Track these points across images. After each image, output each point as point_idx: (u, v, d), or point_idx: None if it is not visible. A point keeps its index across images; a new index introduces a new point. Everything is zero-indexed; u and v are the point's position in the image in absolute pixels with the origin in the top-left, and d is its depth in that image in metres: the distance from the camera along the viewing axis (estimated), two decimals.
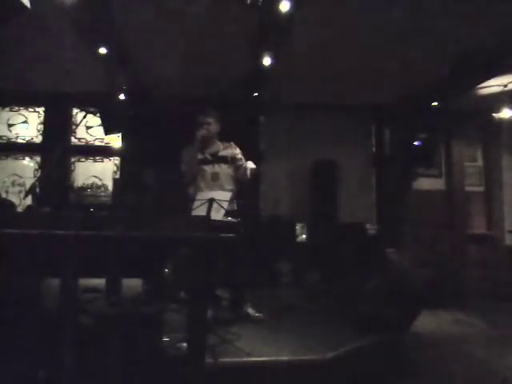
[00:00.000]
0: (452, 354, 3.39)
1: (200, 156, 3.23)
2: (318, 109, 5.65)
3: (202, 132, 3.20)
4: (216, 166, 3.25)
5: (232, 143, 3.39)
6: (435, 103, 5.10)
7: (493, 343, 3.65)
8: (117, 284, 2.70)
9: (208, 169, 3.24)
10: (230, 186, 3.25)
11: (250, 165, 3.27)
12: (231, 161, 3.29)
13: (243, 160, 3.32)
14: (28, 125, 5.57)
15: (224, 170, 3.27)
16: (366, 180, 5.94)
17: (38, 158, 5.50)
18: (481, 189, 6.05)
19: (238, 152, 3.34)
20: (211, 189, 3.08)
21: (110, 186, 5.33)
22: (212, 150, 3.31)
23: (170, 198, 3.22)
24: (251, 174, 3.29)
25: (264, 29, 3.60)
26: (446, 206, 5.86)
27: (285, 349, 2.51)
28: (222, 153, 3.31)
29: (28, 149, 5.52)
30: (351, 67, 4.51)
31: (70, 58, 4.14)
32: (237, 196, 3.26)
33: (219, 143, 3.37)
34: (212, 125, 3.28)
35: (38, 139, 5.53)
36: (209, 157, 3.27)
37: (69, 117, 5.53)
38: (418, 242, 5.54)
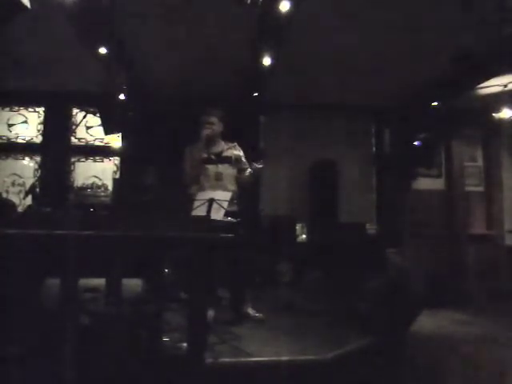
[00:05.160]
0: (452, 354, 3.39)
1: (204, 155, 3.21)
2: (318, 109, 5.65)
3: (206, 131, 3.19)
4: (220, 165, 3.23)
5: (236, 144, 3.37)
6: (435, 103, 5.10)
7: (492, 343, 3.65)
8: (117, 284, 2.70)
9: (212, 168, 3.21)
10: (232, 187, 3.22)
11: (257, 165, 3.19)
12: (235, 162, 3.28)
13: (247, 163, 3.31)
14: (28, 125, 5.57)
15: (227, 170, 3.24)
16: (366, 180, 5.94)
17: (38, 158, 5.50)
18: (481, 189, 6.04)
19: (242, 154, 3.33)
20: (214, 189, 3.06)
21: (110, 186, 5.33)
22: (216, 149, 3.28)
23: (170, 197, 3.21)
24: (255, 174, 3.26)
25: (264, 29, 3.60)
26: (446, 206, 5.86)
27: (285, 349, 2.51)
28: (226, 153, 3.28)
29: (28, 149, 5.53)
30: (351, 67, 4.52)
31: (69, 58, 4.15)
32: (237, 196, 3.25)
33: (223, 143, 3.34)
34: (216, 124, 3.26)
35: (38, 139, 5.53)
36: (213, 156, 3.25)
37: (69, 117, 5.54)
38: (418, 242, 5.54)
